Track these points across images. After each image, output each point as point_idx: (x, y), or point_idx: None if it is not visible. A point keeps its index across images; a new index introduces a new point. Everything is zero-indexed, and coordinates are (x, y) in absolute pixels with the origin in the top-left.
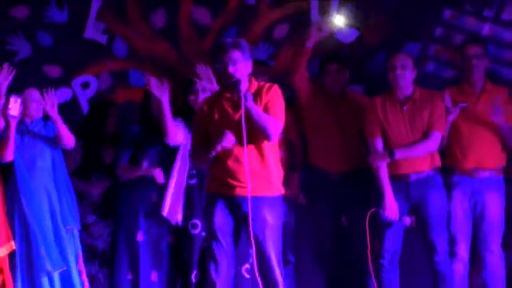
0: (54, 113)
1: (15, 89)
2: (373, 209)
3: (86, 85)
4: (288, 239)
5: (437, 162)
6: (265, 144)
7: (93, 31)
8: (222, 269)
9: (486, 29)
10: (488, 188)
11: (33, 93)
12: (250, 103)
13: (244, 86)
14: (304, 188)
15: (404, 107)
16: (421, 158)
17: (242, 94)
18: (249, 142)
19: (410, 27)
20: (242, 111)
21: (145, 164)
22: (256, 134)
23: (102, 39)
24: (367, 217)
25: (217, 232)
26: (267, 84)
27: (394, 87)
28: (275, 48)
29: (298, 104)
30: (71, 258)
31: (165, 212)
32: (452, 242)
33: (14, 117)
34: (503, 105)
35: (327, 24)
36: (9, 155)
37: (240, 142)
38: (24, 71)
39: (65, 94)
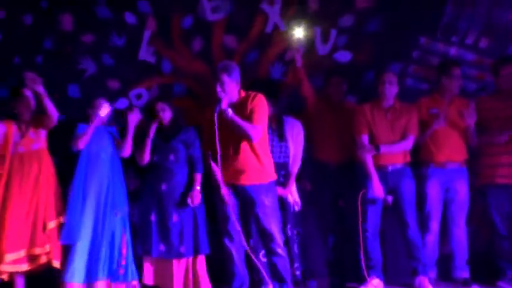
0: (131, 129)
1: (85, 99)
2: (363, 190)
3: (139, 96)
4: (297, 216)
5: (408, 158)
6: (256, 142)
7: (145, 53)
8: (235, 241)
9: (453, 51)
10: (457, 177)
11: (103, 103)
12: (231, 115)
13: (232, 98)
14: (309, 176)
15: (388, 114)
16: (397, 154)
17: (216, 111)
18: (242, 141)
19: (394, 51)
20: (215, 121)
21: (155, 157)
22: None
23: (152, 59)
24: (359, 196)
25: (230, 213)
26: (253, 94)
27: (381, 97)
28: (287, 67)
29: (306, 110)
30: (113, 236)
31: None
32: (427, 219)
33: (101, 117)
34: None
35: (295, 42)
36: (82, 145)
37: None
38: (92, 84)
39: (123, 103)
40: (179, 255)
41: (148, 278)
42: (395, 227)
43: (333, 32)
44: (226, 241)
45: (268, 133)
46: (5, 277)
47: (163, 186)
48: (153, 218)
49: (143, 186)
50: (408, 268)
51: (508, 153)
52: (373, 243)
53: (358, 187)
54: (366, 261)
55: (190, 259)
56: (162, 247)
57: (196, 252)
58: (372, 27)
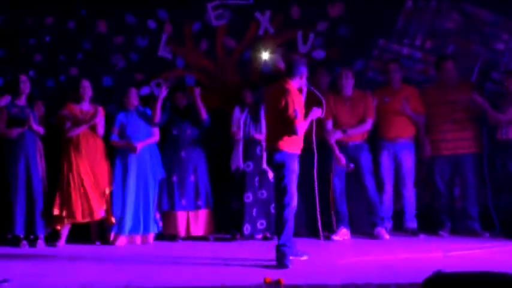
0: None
1: (116, 88)
2: (329, 161)
3: (158, 84)
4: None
5: (365, 136)
6: None
7: (163, 51)
8: (295, 199)
9: (405, 51)
10: (404, 149)
11: (133, 90)
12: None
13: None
14: None
15: (347, 102)
16: (356, 134)
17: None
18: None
19: (358, 50)
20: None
21: (175, 131)
22: None
23: (169, 56)
24: (326, 166)
25: (294, 175)
26: None
27: (341, 89)
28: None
29: None
30: (154, 197)
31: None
32: (382, 182)
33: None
34: (413, 99)
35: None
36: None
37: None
38: (122, 76)
39: (146, 90)
40: (197, 208)
41: (174, 228)
42: (358, 190)
43: (311, 35)
44: (294, 200)
45: (246, 115)
46: (59, 227)
47: (183, 154)
48: (174, 179)
49: (165, 154)
50: (369, 221)
51: (451, 131)
52: (340, 201)
53: (325, 159)
54: (336, 215)
55: (204, 211)
56: (183, 202)
57: (208, 205)
58: (342, 31)
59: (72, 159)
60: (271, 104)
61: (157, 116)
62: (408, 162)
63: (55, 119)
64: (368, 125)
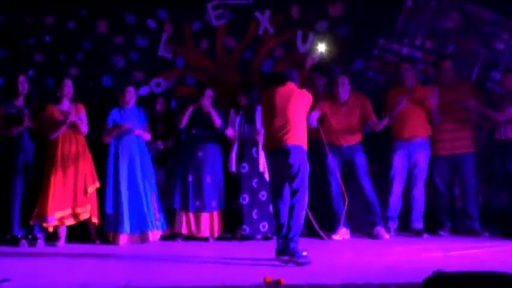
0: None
1: (116, 87)
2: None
3: (158, 84)
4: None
5: (359, 138)
6: None
7: (163, 51)
8: (285, 200)
9: (405, 50)
10: (419, 149)
11: (130, 89)
12: None
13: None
14: None
15: (343, 108)
16: (350, 135)
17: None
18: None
19: (358, 50)
20: None
21: (193, 131)
22: None
23: (169, 56)
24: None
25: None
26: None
27: (336, 95)
28: (274, 63)
29: None
30: (146, 197)
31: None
32: (390, 183)
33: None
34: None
35: (314, 53)
36: (109, 139)
37: None
38: (122, 75)
39: (145, 90)
40: (211, 209)
41: (184, 228)
42: (356, 190)
43: (311, 35)
44: (278, 201)
45: (241, 117)
46: (51, 229)
47: (200, 154)
48: (190, 179)
49: (183, 154)
50: (368, 221)
51: (450, 131)
52: (337, 201)
53: (320, 159)
54: (334, 215)
55: (216, 212)
56: (197, 203)
57: (221, 207)
58: (342, 31)
59: (48, 164)
60: (288, 103)
61: (184, 122)
62: (422, 162)
63: (35, 123)
64: (380, 123)
